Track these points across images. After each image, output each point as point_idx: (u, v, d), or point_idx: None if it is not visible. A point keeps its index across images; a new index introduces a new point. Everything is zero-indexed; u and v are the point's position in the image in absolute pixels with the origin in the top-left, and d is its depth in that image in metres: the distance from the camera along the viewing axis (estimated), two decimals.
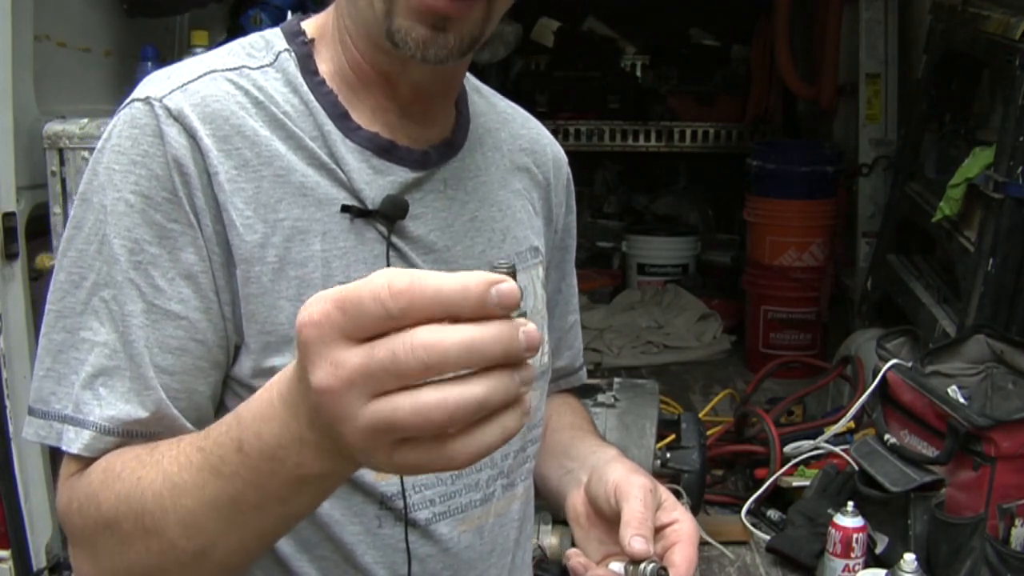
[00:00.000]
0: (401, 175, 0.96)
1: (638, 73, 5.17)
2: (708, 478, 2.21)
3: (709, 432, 2.43)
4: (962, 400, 1.89)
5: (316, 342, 0.58)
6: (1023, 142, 2.17)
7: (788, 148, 3.99)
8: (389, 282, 0.56)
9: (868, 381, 2.20)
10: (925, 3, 3.11)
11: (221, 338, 0.90)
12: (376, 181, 0.95)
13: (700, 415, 2.54)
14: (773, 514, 2.17)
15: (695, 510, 2.01)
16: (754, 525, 2.15)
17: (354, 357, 0.57)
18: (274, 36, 0.98)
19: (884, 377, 2.01)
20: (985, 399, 2.03)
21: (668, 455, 2.03)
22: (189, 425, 0.87)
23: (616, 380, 2.22)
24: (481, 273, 0.57)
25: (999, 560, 1.72)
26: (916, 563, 1.69)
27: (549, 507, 1.20)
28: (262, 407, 0.67)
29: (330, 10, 0.99)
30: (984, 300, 2.23)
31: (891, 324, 2.68)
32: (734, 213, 4.44)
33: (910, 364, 2.02)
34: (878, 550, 1.89)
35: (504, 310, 0.57)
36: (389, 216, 0.95)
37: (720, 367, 3.75)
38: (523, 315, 0.58)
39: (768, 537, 2.08)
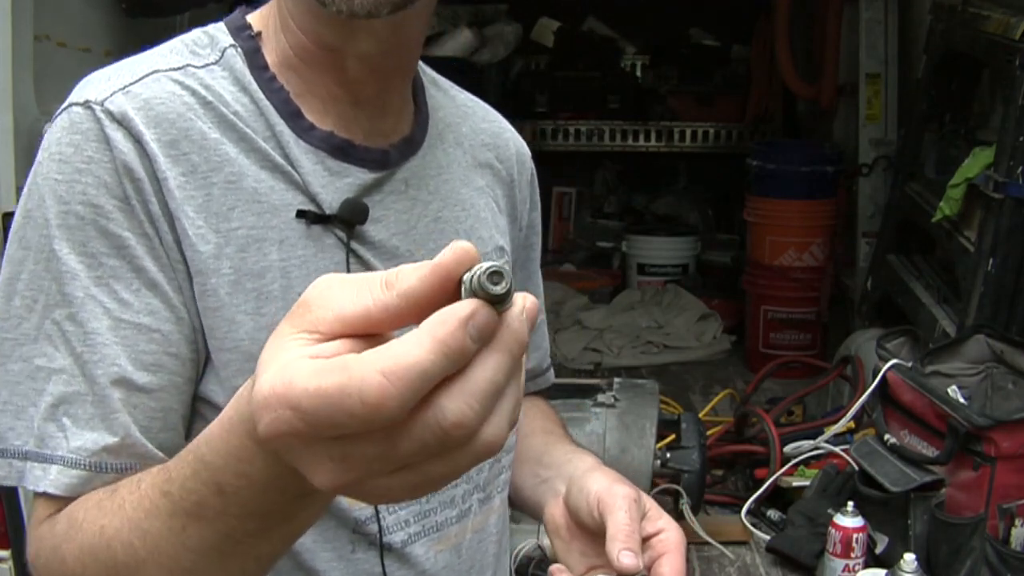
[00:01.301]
0: (359, 176, 0.91)
1: (638, 73, 5.17)
2: (708, 478, 2.20)
3: (709, 432, 2.42)
4: (962, 400, 1.89)
5: (298, 450, 0.52)
6: (1023, 142, 2.17)
7: (788, 148, 3.99)
8: (360, 395, 0.48)
9: (868, 381, 2.20)
10: (925, 3, 3.11)
11: (193, 351, 0.84)
12: (333, 184, 0.89)
13: (700, 415, 2.54)
14: (773, 514, 2.17)
15: (695, 510, 2.00)
16: (754, 525, 2.15)
17: (367, 448, 0.51)
18: (218, 32, 0.92)
19: (884, 377, 2.01)
20: (985, 399, 2.03)
21: (668, 455, 2.03)
22: (159, 453, 0.81)
23: (616, 380, 2.22)
24: (448, 315, 0.49)
25: (999, 560, 1.72)
26: (916, 563, 1.69)
27: (523, 515, 1.13)
28: (230, 447, 0.60)
29: (273, 1, 0.93)
30: (984, 300, 2.23)
31: (891, 324, 2.68)
32: (734, 213, 4.43)
33: (910, 364, 2.02)
34: (878, 550, 1.89)
35: (486, 340, 0.50)
36: (348, 221, 0.89)
37: (720, 367, 3.75)
38: (508, 294, 0.51)
39: (768, 537, 2.08)
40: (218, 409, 0.64)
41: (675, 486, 2.00)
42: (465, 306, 0.49)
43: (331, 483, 0.52)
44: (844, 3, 3.71)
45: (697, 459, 2.03)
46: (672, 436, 2.20)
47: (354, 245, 0.90)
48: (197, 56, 0.90)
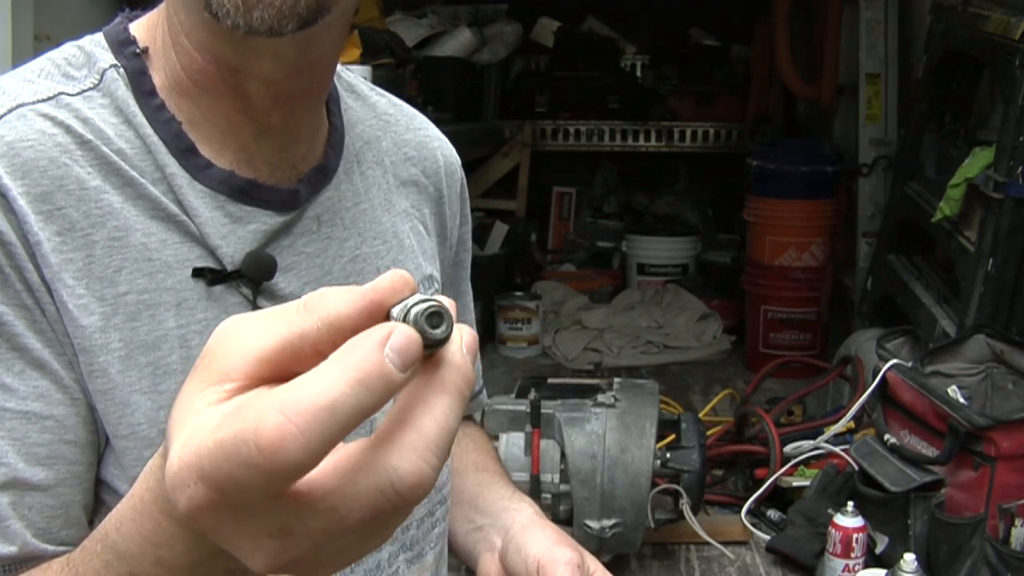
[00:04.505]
0: (265, 221, 0.78)
1: (638, 73, 5.17)
2: (708, 478, 2.20)
3: (709, 432, 2.42)
4: (962, 400, 1.89)
5: (229, 530, 0.44)
6: (1023, 142, 2.17)
7: (788, 148, 3.99)
8: (256, 439, 0.40)
9: (868, 381, 2.20)
10: (925, 3, 3.11)
11: (92, 432, 0.73)
12: (235, 233, 0.77)
13: (700, 415, 2.54)
14: (773, 514, 2.17)
15: (695, 510, 2.00)
16: (754, 525, 2.15)
17: (309, 521, 0.43)
18: (96, 47, 0.77)
19: (884, 377, 2.01)
20: (985, 399, 2.03)
21: (668, 455, 2.03)
22: (62, 549, 0.70)
23: (616, 380, 2.21)
24: (361, 338, 0.42)
25: (999, 560, 1.72)
26: (916, 563, 1.69)
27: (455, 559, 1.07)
28: (145, 532, 0.51)
29: (161, 7, 0.78)
30: (984, 300, 2.23)
31: (891, 324, 2.68)
32: (734, 213, 4.44)
33: (910, 364, 2.02)
34: (878, 550, 1.89)
35: (409, 365, 0.42)
36: (253, 278, 0.77)
37: (720, 367, 3.75)
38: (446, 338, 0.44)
39: (768, 537, 2.08)
40: (121, 496, 0.56)
41: (675, 486, 2.00)
42: (380, 328, 0.42)
43: (270, 564, 0.44)
44: (844, 3, 3.71)
45: (697, 459, 2.03)
46: (672, 436, 2.19)
47: (262, 303, 0.78)
48: (71, 80, 0.75)
